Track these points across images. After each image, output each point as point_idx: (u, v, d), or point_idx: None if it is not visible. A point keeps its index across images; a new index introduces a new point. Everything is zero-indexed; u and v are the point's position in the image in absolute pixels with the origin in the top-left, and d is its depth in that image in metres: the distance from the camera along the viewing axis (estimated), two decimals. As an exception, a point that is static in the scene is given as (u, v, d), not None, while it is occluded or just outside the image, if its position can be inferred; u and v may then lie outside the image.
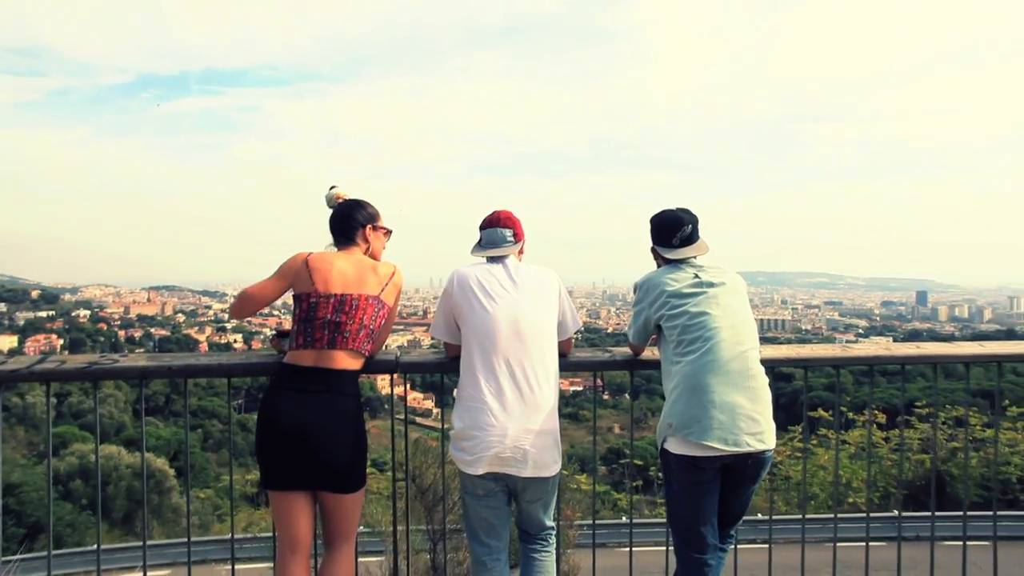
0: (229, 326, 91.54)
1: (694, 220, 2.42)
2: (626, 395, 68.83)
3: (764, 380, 2.25)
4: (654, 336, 2.45)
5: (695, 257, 2.41)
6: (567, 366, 2.46)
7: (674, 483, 2.26)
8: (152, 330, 70.77)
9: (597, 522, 3.14)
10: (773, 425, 2.22)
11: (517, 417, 2.13)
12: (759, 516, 7.24)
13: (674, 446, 2.20)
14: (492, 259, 2.35)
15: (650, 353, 2.59)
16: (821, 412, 12.61)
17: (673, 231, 2.39)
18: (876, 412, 9.41)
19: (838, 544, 2.85)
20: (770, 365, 2.38)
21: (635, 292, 2.43)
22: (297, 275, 2.20)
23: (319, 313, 2.14)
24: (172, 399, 41.71)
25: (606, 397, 69.47)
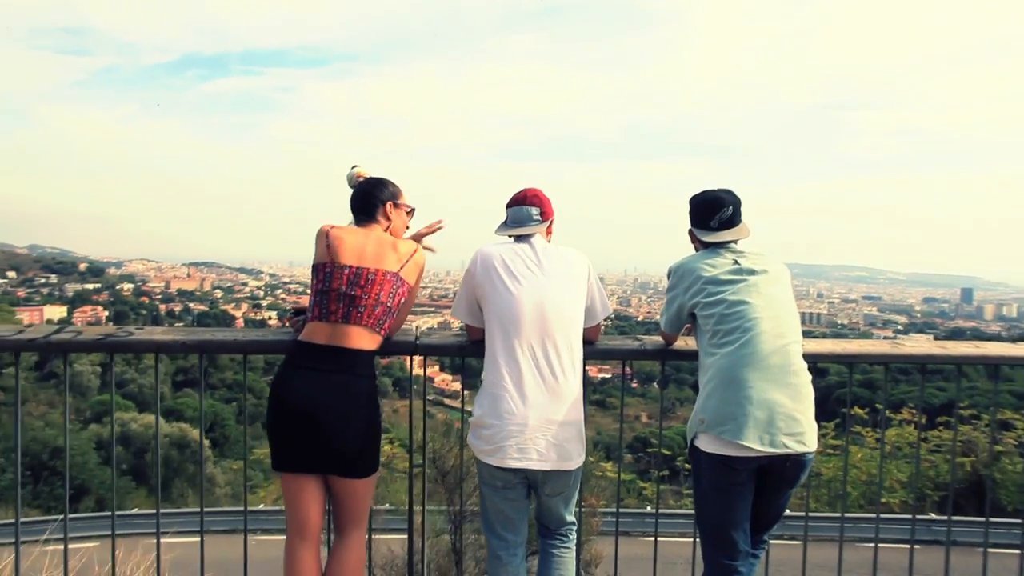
0: (264, 303, 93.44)
1: (736, 202, 2.27)
2: (655, 384, 68.45)
3: (807, 377, 2.10)
4: (688, 325, 2.34)
5: (735, 242, 2.27)
6: (594, 354, 2.37)
7: (704, 483, 2.13)
8: (191, 305, 72.69)
9: (621, 510, 3.10)
10: (815, 426, 2.08)
11: (539, 406, 2.04)
12: (787, 512, 7.09)
13: (706, 444, 2.08)
14: (518, 239, 2.24)
15: (683, 343, 2.48)
16: (857, 409, 12.34)
17: (712, 212, 2.25)
18: (915, 411, 9.14)
19: (865, 544, 2.77)
20: (812, 360, 2.22)
21: (668, 277, 2.30)
22: (318, 244, 2.17)
23: (334, 284, 2.08)
24: (210, 372, 43.00)
25: (634, 385, 68.90)
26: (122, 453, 20.88)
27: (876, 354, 2.62)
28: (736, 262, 2.19)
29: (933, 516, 8.78)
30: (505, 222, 2.30)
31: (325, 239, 2.15)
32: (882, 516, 2.75)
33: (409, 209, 2.38)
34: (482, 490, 2.23)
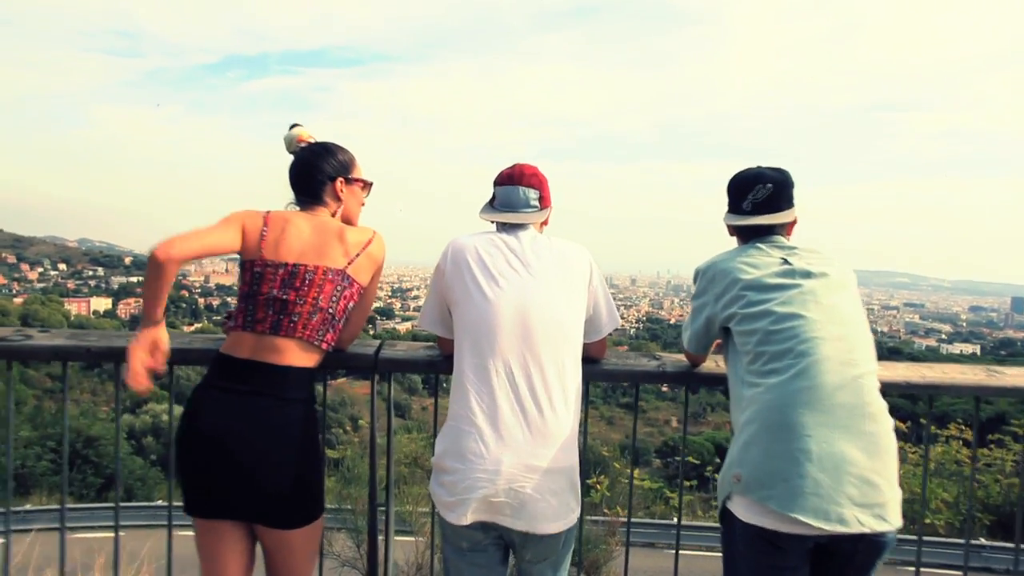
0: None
1: (780, 180, 1.73)
2: (684, 387, 67.02)
3: (887, 423, 1.53)
4: (718, 341, 1.81)
5: (782, 235, 1.75)
6: (597, 375, 1.89)
7: (740, 563, 1.59)
8: (229, 299, 74.51)
9: (640, 521, 2.95)
10: (899, 493, 1.50)
11: (517, 447, 1.53)
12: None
13: (743, 510, 1.52)
14: (505, 227, 1.74)
15: (713, 363, 1.97)
16: (898, 423, 11.84)
17: (745, 191, 1.74)
18: (963, 426, 8.70)
19: (906, 568, 2.59)
20: (882, 391, 1.62)
21: (695, 281, 1.77)
22: (248, 231, 1.69)
23: (263, 287, 1.66)
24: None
25: (664, 389, 68.22)
26: (153, 444, 21.73)
27: (967, 385, 2.02)
28: (786, 261, 1.65)
29: (984, 541, 8.35)
30: (491, 203, 1.80)
31: (258, 226, 1.70)
32: (925, 538, 2.42)
33: (364, 183, 1.88)
34: (444, 552, 1.72)
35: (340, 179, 1.81)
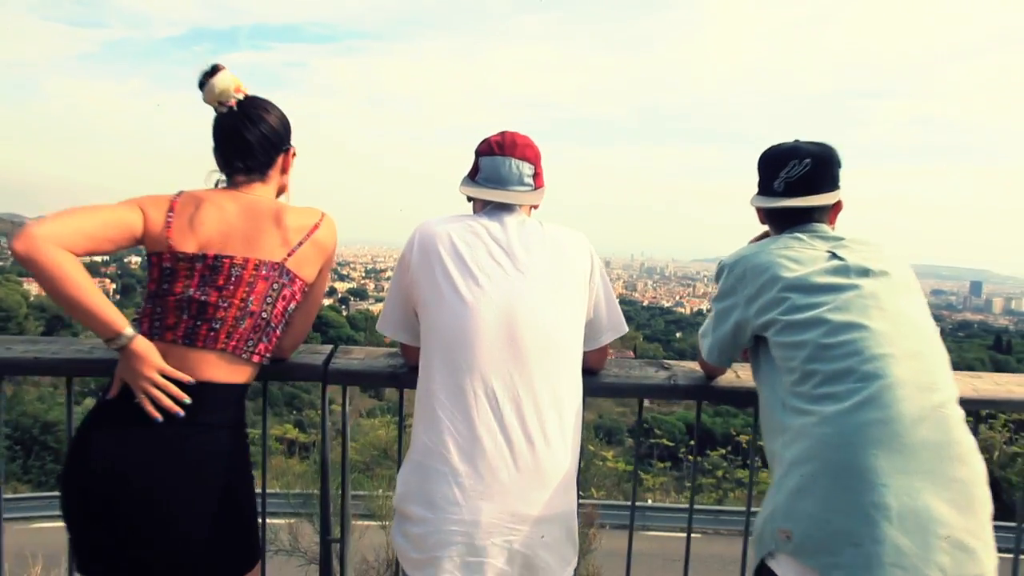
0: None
1: (820, 155, 1.40)
2: (697, 403, 68.02)
3: (980, 466, 1.20)
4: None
5: (823, 222, 1.42)
6: (597, 389, 1.56)
7: None
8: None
9: (618, 503, 2.91)
10: (994, 553, 1.16)
11: (502, 492, 1.22)
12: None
13: (791, 574, 1.19)
14: (487, 210, 1.41)
15: (732, 375, 1.64)
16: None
17: (777, 167, 1.42)
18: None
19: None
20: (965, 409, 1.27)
21: (718, 278, 1.45)
22: (150, 217, 1.33)
23: (176, 286, 1.31)
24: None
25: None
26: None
27: None
28: (834, 255, 1.33)
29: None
30: (475, 176, 1.44)
31: (165, 211, 1.35)
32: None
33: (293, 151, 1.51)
34: None
35: (292, 149, 1.47)
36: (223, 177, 1.45)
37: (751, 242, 1.54)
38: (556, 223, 1.44)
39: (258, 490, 1.52)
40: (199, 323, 1.30)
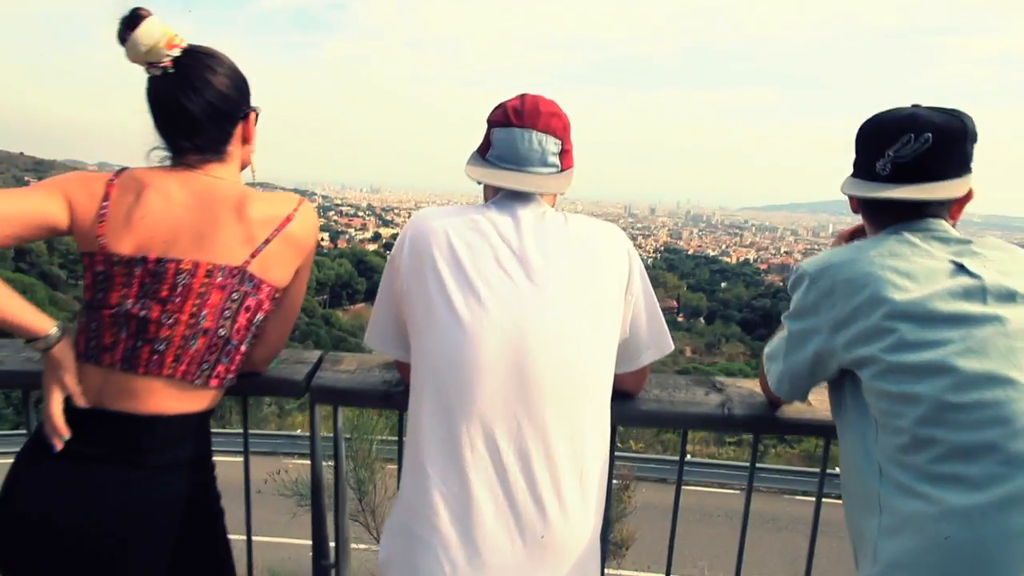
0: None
1: (946, 128, 1.03)
2: (701, 319, 67.96)
3: None
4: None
5: (943, 217, 1.07)
6: (633, 418, 1.31)
7: None
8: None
9: (658, 457, 2.97)
10: None
11: (504, 570, 0.98)
12: None
13: None
14: (501, 197, 1.12)
15: (803, 408, 1.32)
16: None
17: (883, 143, 1.06)
18: None
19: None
20: None
21: (794, 288, 1.11)
22: (77, 207, 1.08)
23: (110, 296, 1.07)
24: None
25: (680, 319, 68.80)
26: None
27: None
28: (960, 267, 0.98)
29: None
30: (483, 152, 1.16)
31: (98, 199, 1.08)
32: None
33: (256, 113, 1.23)
34: None
35: (254, 112, 1.19)
36: (167, 154, 1.16)
37: (839, 240, 1.24)
38: (585, 215, 1.15)
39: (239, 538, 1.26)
40: (139, 344, 1.05)
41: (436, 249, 1.04)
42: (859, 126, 1.13)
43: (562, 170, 1.15)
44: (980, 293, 0.94)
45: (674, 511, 1.43)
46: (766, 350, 1.20)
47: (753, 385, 1.37)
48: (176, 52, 1.09)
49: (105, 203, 1.08)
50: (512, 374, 0.99)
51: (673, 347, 1.19)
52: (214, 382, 1.11)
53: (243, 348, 1.14)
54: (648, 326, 1.16)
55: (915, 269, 0.98)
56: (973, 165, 1.05)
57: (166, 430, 1.08)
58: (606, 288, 1.07)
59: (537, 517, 0.97)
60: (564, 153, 1.15)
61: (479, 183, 1.16)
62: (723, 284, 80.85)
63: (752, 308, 67.14)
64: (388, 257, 1.14)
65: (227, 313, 1.09)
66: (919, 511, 0.88)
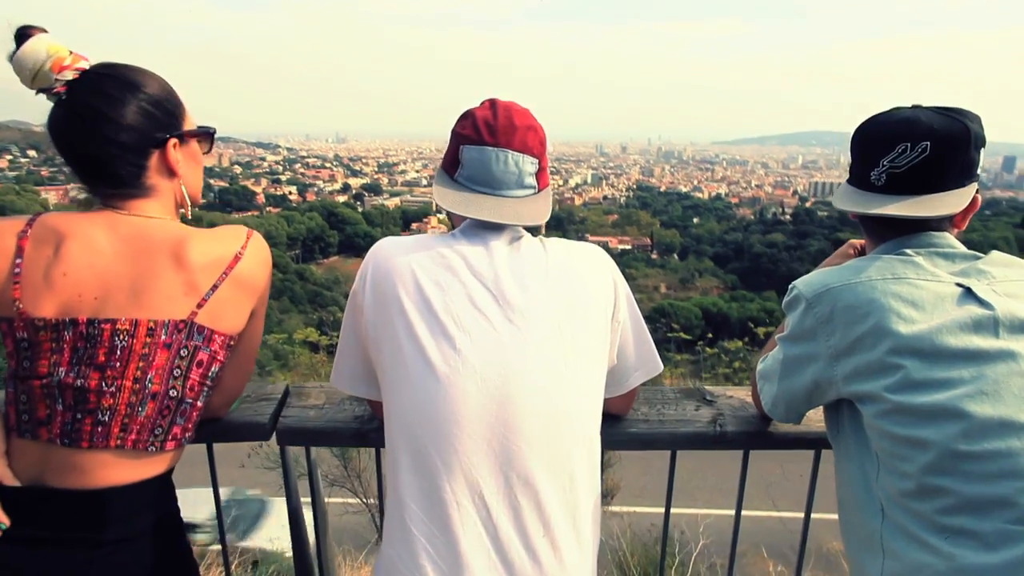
0: (283, 178, 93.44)
1: (946, 135, 0.95)
2: (674, 255, 68.77)
3: None
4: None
5: (946, 230, 0.99)
6: (621, 442, 1.23)
7: None
8: (211, 181, 72.93)
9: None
10: None
11: None
12: None
13: None
14: (471, 225, 1.02)
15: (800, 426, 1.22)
16: None
17: (878, 150, 0.99)
18: None
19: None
20: None
21: (790, 308, 1.03)
22: None
23: (39, 365, 0.94)
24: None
25: (654, 256, 69.50)
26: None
27: None
28: (968, 291, 0.90)
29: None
30: (451, 171, 1.06)
31: (5, 257, 0.94)
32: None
33: (203, 136, 1.09)
34: None
35: (173, 140, 1.02)
36: (88, 192, 1.02)
37: (838, 256, 1.18)
38: (560, 237, 1.07)
39: None
40: (79, 416, 0.93)
41: (402, 290, 0.94)
42: (858, 127, 1.05)
43: (539, 191, 1.05)
44: (992, 325, 0.86)
45: (663, 539, 1.45)
46: (759, 367, 1.13)
47: (744, 394, 1.31)
48: (68, 75, 0.95)
49: (19, 260, 0.93)
50: (495, 426, 0.91)
51: (662, 368, 1.13)
52: (170, 444, 1.00)
53: (199, 403, 1.03)
54: (636, 349, 1.09)
55: (921, 295, 0.89)
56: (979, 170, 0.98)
57: (122, 502, 0.96)
58: (591, 319, 0.98)
59: (532, 569, 0.91)
60: (540, 171, 1.06)
61: (449, 214, 1.05)
62: (695, 220, 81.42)
63: (724, 242, 68.04)
64: (349, 292, 1.02)
65: (176, 372, 0.97)
66: (927, 564, 0.83)
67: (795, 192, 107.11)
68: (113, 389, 0.94)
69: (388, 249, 0.99)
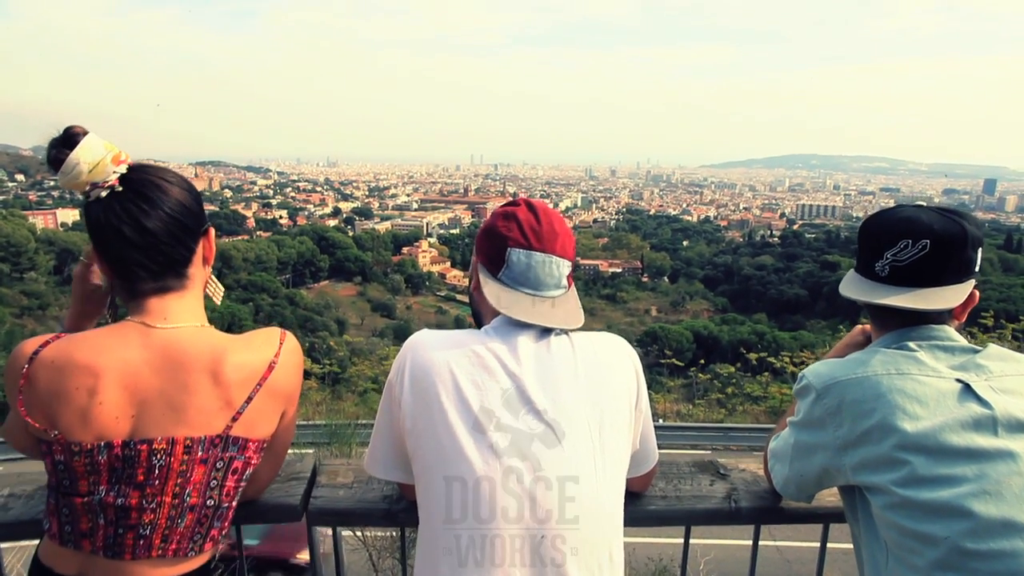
0: (274, 202, 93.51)
1: (946, 236, 1.02)
2: (665, 278, 69.16)
3: None
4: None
5: (943, 321, 1.06)
6: (641, 519, 1.26)
7: None
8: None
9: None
10: None
11: None
12: None
13: None
14: (505, 326, 1.06)
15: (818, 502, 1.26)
16: None
17: (882, 244, 1.06)
18: None
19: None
20: None
21: (801, 395, 1.09)
22: (26, 391, 0.96)
23: (79, 485, 0.96)
24: (225, 273, 43.72)
25: (645, 279, 69.91)
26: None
27: None
28: (967, 388, 0.95)
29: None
30: (497, 269, 1.10)
31: (27, 381, 0.95)
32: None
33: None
34: None
35: (212, 227, 1.07)
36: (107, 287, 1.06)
37: (848, 342, 1.24)
38: (591, 332, 1.10)
39: None
40: (121, 531, 0.95)
41: (441, 387, 0.98)
42: (864, 220, 1.14)
43: (567, 289, 1.13)
44: (991, 424, 0.92)
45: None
46: (771, 446, 1.19)
47: (755, 467, 1.35)
48: (123, 168, 0.98)
49: (33, 381, 0.94)
50: (530, 522, 0.95)
51: (657, 456, 1.20)
52: (208, 545, 1.03)
53: (235, 504, 1.05)
54: (650, 435, 1.15)
55: (924, 392, 0.95)
56: (976, 268, 1.05)
57: None
58: (619, 412, 1.03)
59: None
60: (569, 272, 1.13)
61: (496, 312, 1.09)
62: (685, 242, 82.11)
63: (714, 265, 68.51)
64: (385, 383, 1.06)
65: (213, 483, 0.99)
66: None
67: (783, 214, 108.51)
68: (153, 505, 0.95)
69: (425, 343, 1.03)
